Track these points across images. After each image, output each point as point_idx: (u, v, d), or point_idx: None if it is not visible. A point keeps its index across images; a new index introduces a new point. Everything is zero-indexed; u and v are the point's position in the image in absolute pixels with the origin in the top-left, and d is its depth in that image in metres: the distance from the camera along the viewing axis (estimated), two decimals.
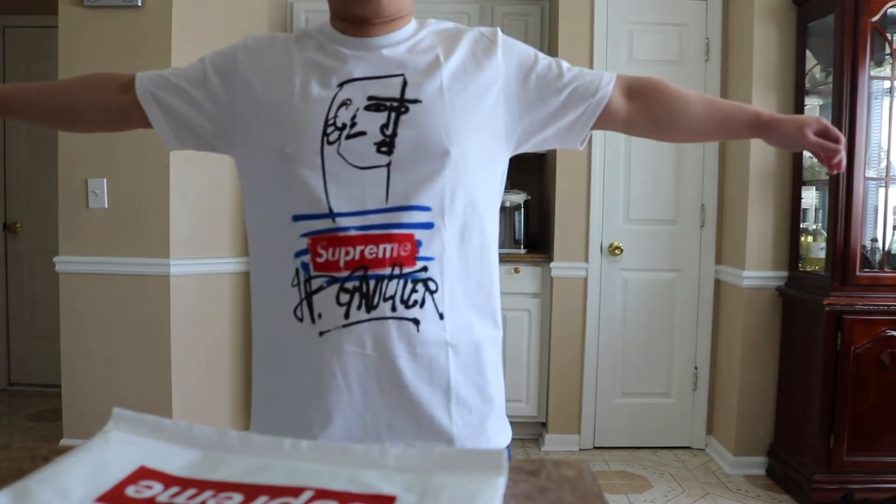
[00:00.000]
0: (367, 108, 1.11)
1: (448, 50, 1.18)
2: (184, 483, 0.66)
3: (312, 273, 1.09)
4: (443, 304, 1.12)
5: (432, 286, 1.11)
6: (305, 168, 1.10)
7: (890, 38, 3.03)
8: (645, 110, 1.27)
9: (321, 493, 0.63)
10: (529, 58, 1.23)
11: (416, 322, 1.10)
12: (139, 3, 3.17)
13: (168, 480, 0.66)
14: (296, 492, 0.64)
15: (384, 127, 1.10)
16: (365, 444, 0.71)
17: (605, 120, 1.25)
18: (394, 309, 1.09)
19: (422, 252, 1.10)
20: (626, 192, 3.70)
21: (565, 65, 1.24)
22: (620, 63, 3.65)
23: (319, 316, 1.09)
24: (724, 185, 3.68)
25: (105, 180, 3.24)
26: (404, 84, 1.13)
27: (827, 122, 1.24)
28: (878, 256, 3.13)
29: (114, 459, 0.68)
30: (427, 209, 1.10)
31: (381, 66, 1.15)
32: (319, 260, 1.09)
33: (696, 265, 3.73)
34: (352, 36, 1.17)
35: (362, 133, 1.10)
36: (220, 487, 0.65)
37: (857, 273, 3.00)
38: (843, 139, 1.24)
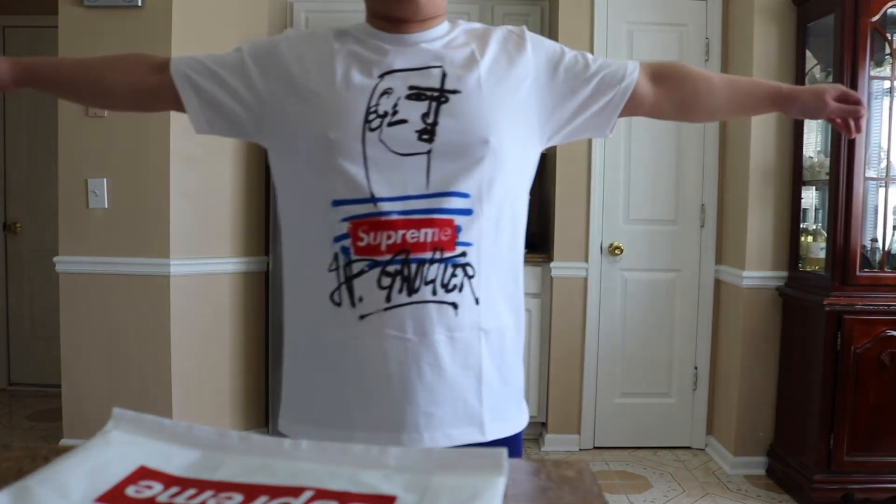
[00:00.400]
0: (408, 98, 1.14)
1: (481, 46, 1.22)
2: (184, 483, 0.66)
3: (353, 257, 1.11)
4: (479, 289, 1.15)
5: (470, 271, 1.14)
6: (347, 154, 1.12)
7: (890, 38, 3.03)
8: (670, 93, 1.31)
9: (321, 493, 0.63)
10: (556, 52, 1.27)
11: (454, 306, 1.13)
12: (139, 4, 3.17)
13: (168, 480, 0.66)
14: (296, 492, 0.64)
15: (425, 115, 1.13)
16: (364, 445, 0.71)
17: (633, 105, 1.28)
18: (434, 293, 1.11)
19: (461, 237, 1.13)
20: (626, 192, 3.70)
21: (590, 56, 1.29)
22: None
23: (360, 299, 1.11)
24: (724, 185, 3.68)
25: (105, 180, 3.25)
26: (444, 75, 1.17)
27: (844, 86, 1.29)
28: (878, 256, 3.13)
29: (114, 459, 0.68)
30: (466, 196, 1.13)
31: (420, 59, 1.18)
32: (360, 244, 1.11)
33: (696, 265, 3.74)
34: (390, 32, 1.21)
35: (404, 121, 1.13)
36: (220, 487, 0.65)
37: (857, 273, 3.01)
38: (864, 100, 1.28)
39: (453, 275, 1.13)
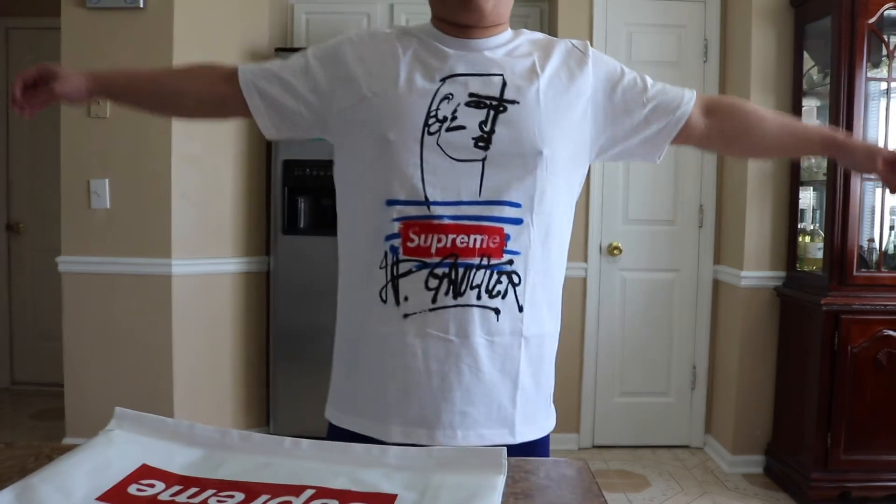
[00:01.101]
0: (467, 104, 1.16)
1: (543, 58, 1.24)
2: (186, 481, 0.67)
3: (401, 257, 1.14)
4: (524, 297, 1.18)
5: (515, 279, 1.17)
6: (405, 155, 1.15)
7: (886, 39, 3.04)
8: (721, 125, 1.31)
9: (322, 492, 0.64)
10: (616, 71, 1.28)
11: (497, 312, 1.16)
12: (141, 5, 3.19)
13: (170, 479, 0.67)
14: (297, 490, 0.64)
15: (483, 123, 1.15)
16: (365, 444, 0.72)
17: (685, 135, 1.30)
18: (479, 297, 1.15)
19: (509, 246, 1.16)
20: (625, 192, 3.71)
21: (649, 80, 1.29)
22: None
23: (406, 299, 1.15)
24: (723, 185, 3.69)
25: (107, 181, 3.26)
26: (504, 84, 1.18)
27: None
28: (874, 256, 3.14)
29: (116, 458, 0.69)
30: (517, 205, 1.16)
31: (482, 66, 1.21)
32: (410, 245, 1.14)
33: (695, 265, 3.75)
34: (454, 37, 1.23)
35: (462, 127, 1.15)
36: (222, 486, 0.66)
37: (855, 273, 3.02)
38: None
39: (498, 281, 1.16)
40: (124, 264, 3.27)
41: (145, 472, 0.68)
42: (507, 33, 1.28)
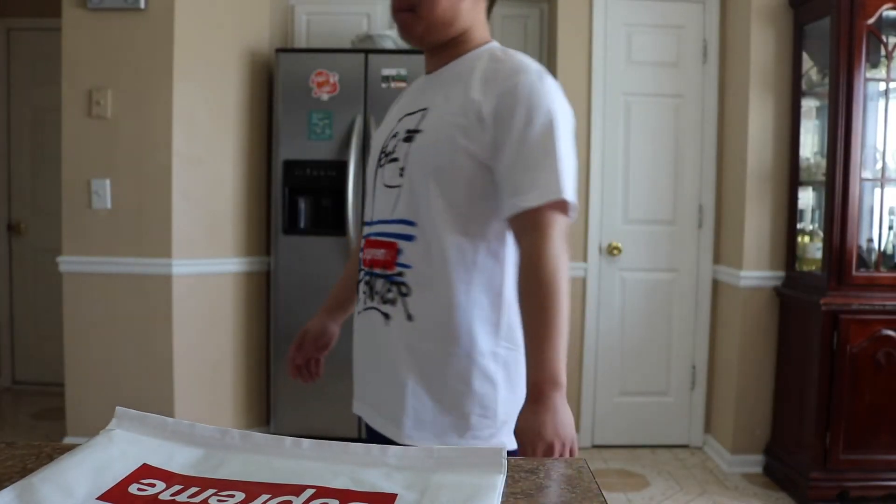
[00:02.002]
0: (404, 140, 1.33)
1: (463, 86, 1.30)
2: (186, 481, 0.67)
3: (361, 266, 1.41)
4: (413, 308, 1.30)
5: (404, 290, 1.31)
6: (369, 184, 1.43)
7: (885, 40, 3.05)
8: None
9: (322, 492, 0.64)
10: (508, 110, 1.25)
11: (387, 317, 1.33)
12: (142, 6, 3.19)
13: (170, 478, 0.67)
14: (297, 490, 0.65)
15: (406, 155, 1.32)
16: (365, 444, 0.73)
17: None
18: (380, 302, 1.34)
19: (400, 259, 1.31)
20: (624, 192, 3.72)
21: (533, 137, 1.24)
22: (619, 64, 3.67)
23: (358, 301, 1.41)
24: (722, 185, 3.70)
25: (108, 181, 3.27)
26: (422, 118, 1.32)
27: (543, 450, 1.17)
28: (873, 257, 3.14)
29: (117, 458, 0.69)
30: (411, 223, 1.30)
31: (420, 102, 1.36)
32: (363, 256, 1.40)
33: (694, 265, 3.75)
34: (428, 72, 1.41)
35: (396, 159, 1.33)
36: (222, 486, 0.66)
37: (854, 273, 3.02)
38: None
39: (389, 290, 1.32)
40: (125, 264, 3.28)
41: (146, 472, 0.68)
42: (467, 57, 1.35)
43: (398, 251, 1.31)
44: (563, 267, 1.22)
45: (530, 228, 1.24)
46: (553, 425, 1.16)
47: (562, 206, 1.23)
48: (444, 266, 1.28)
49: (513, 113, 1.24)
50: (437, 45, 1.36)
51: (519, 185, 1.23)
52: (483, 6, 1.39)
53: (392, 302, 1.31)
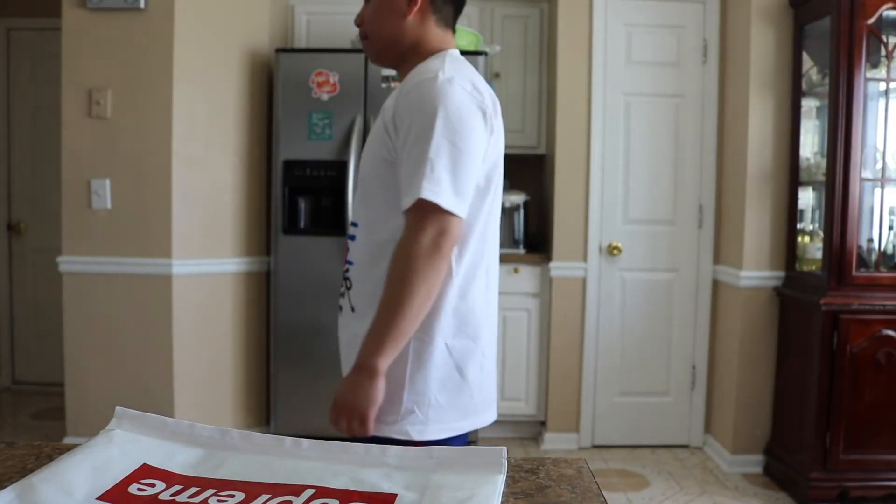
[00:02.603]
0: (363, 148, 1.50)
1: (392, 97, 1.44)
2: (186, 481, 0.67)
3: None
4: (355, 300, 1.46)
5: (349, 284, 1.47)
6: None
7: (885, 40, 3.04)
8: None
9: (322, 492, 0.64)
10: (403, 118, 1.37)
11: (340, 308, 1.51)
12: (142, 6, 3.19)
13: (170, 478, 0.67)
14: (297, 490, 0.64)
15: (360, 162, 1.49)
16: (365, 444, 0.73)
17: None
18: (339, 296, 1.52)
19: (349, 257, 1.48)
20: (624, 192, 3.72)
21: (411, 138, 1.34)
22: (619, 64, 3.67)
23: None
24: (722, 185, 3.70)
25: (108, 181, 3.27)
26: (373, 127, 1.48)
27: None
28: (873, 256, 3.14)
29: (117, 458, 0.69)
30: (355, 225, 1.47)
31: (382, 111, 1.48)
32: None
33: (694, 265, 3.75)
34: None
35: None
36: (222, 486, 0.66)
37: (854, 273, 3.02)
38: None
39: (343, 284, 1.49)
40: (125, 264, 3.28)
41: (146, 472, 0.68)
42: (411, 73, 1.43)
43: (348, 250, 1.48)
44: (420, 268, 1.30)
45: (405, 228, 1.34)
46: (345, 398, 1.33)
47: (432, 206, 1.30)
48: (377, 263, 1.39)
49: (403, 118, 1.36)
50: (394, 62, 1.48)
51: (404, 187, 1.34)
52: (431, 18, 1.45)
53: (342, 295, 1.49)
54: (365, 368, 1.32)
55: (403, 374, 1.39)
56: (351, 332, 1.44)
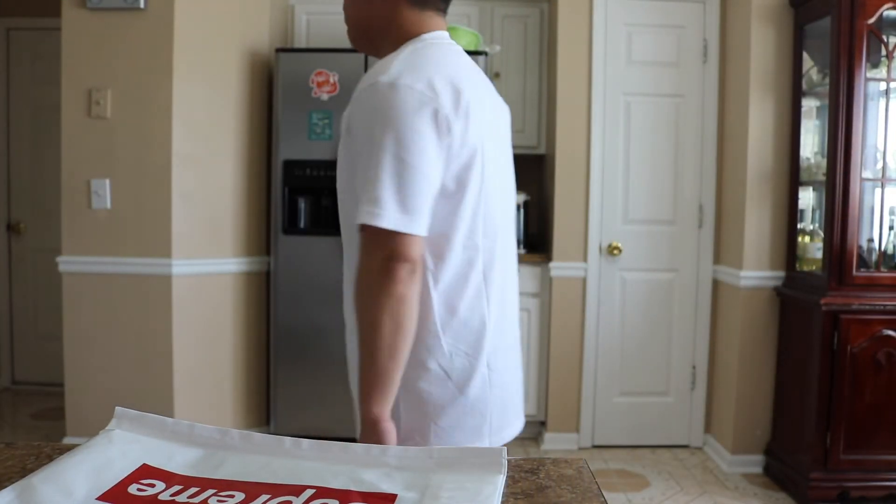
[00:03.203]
0: None
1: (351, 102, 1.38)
2: (186, 481, 0.67)
3: None
4: (347, 314, 1.39)
5: (343, 296, 1.42)
6: None
7: (885, 39, 3.04)
8: None
9: (322, 492, 0.64)
10: (355, 120, 1.31)
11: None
12: (141, 6, 3.19)
13: (170, 479, 0.67)
14: (297, 490, 0.64)
15: None
16: (365, 444, 0.72)
17: None
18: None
19: (343, 266, 1.44)
20: (624, 192, 3.72)
21: (359, 138, 1.29)
22: (619, 64, 3.66)
23: None
24: (722, 185, 3.70)
25: (108, 181, 3.26)
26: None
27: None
28: (874, 256, 3.14)
29: (116, 458, 0.69)
30: (339, 235, 1.46)
31: None
32: None
33: (695, 265, 3.75)
34: None
35: None
36: (222, 486, 0.66)
37: (854, 273, 3.02)
38: None
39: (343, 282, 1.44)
40: (125, 264, 3.28)
41: (146, 472, 0.68)
42: (368, 71, 1.35)
43: (342, 258, 1.45)
44: (376, 298, 1.21)
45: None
46: None
47: (373, 230, 1.22)
48: (352, 274, 1.34)
49: (354, 127, 1.30)
50: (370, 49, 1.41)
51: (357, 199, 1.27)
52: (403, 3, 1.33)
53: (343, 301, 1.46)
54: (365, 422, 1.23)
55: (396, 406, 1.30)
56: (352, 345, 1.38)
